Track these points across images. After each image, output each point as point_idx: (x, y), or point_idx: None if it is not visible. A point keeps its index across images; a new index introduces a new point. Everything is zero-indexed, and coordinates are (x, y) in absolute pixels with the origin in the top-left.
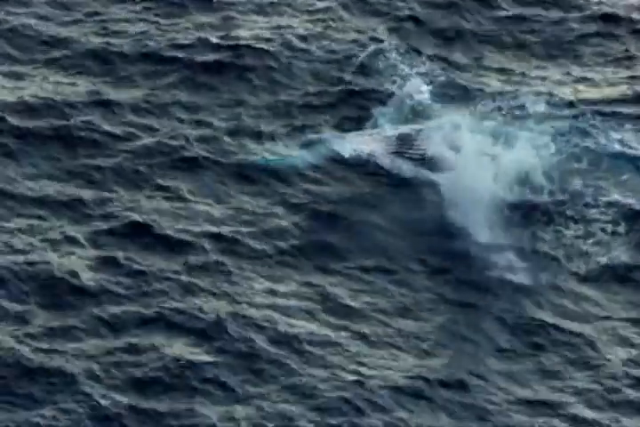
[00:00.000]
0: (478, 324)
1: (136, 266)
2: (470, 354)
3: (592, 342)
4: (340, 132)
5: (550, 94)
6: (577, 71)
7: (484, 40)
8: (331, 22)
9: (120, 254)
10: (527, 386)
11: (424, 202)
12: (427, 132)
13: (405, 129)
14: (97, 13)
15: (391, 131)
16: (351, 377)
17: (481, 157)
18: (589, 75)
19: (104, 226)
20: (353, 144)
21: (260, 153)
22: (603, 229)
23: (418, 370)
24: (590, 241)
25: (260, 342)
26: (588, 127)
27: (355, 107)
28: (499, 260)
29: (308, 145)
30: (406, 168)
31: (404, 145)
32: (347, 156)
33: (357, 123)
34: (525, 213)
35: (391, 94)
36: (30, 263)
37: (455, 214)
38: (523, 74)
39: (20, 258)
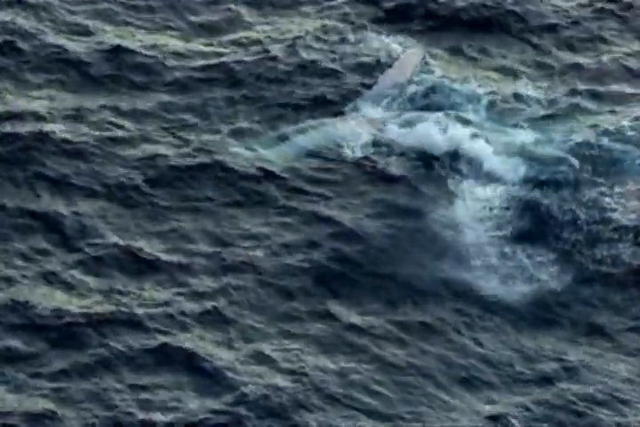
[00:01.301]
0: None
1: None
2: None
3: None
4: (324, 118)
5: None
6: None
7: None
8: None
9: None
10: None
11: (419, 195)
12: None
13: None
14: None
15: (374, 114)
16: None
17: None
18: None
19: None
20: (338, 130)
21: (247, 148)
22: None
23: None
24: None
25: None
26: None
27: (336, 93)
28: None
29: (293, 134)
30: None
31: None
32: (334, 142)
33: (340, 108)
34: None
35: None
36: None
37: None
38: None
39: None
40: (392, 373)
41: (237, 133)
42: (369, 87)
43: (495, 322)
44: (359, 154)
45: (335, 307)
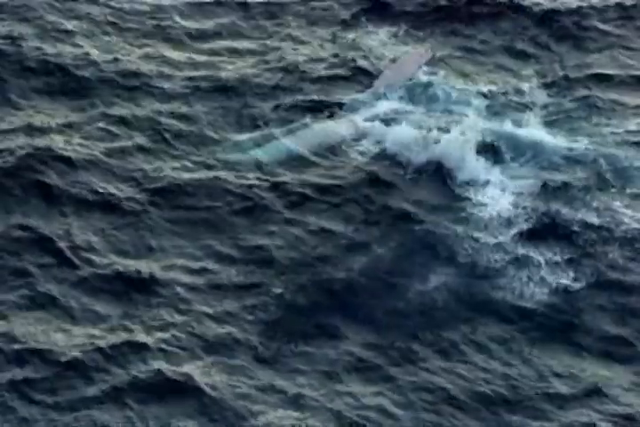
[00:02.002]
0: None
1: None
2: None
3: None
4: (318, 120)
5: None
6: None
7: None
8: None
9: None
10: None
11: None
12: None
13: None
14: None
15: (369, 115)
16: None
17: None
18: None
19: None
20: (332, 131)
21: (242, 153)
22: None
23: None
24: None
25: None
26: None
27: (331, 94)
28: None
29: (286, 136)
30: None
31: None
32: (328, 144)
33: (335, 110)
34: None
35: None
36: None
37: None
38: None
39: None
40: (406, 392)
41: (231, 139)
42: (367, 87)
43: (509, 334)
44: (356, 157)
45: (344, 324)
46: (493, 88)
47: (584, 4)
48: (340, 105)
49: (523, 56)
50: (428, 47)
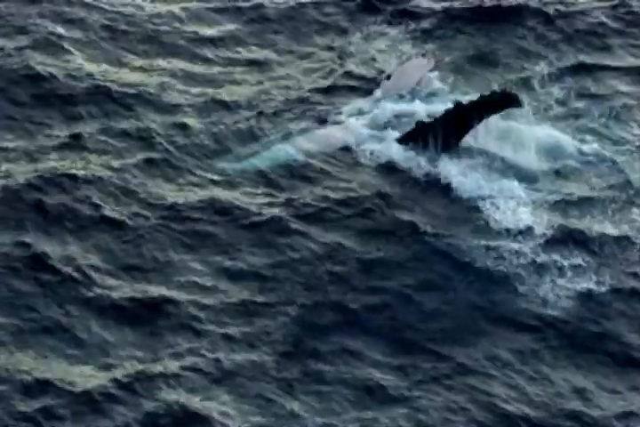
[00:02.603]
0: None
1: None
2: None
3: None
4: (321, 126)
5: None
6: None
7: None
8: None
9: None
10: None
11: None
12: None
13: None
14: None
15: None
16: None
17: None
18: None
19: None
20: (329, 138)
21: (236, 162)
22: None
23: None
24: None
25: None
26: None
27: (331, 101)
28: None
29: (282, 141)
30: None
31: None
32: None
33: (335, 118)
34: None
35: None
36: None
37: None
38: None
39: None
40: (427, 413)
41: (233, 149)
42: (369, 94)
43: (531, 347)
44: (361, 166)
45: (361, 343)
46: None
47: (595, 5)
48: (342, 112)
49: (531, 58)
50: (431, 55)
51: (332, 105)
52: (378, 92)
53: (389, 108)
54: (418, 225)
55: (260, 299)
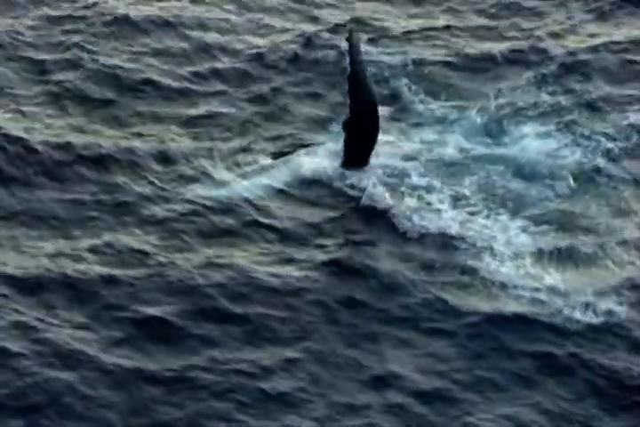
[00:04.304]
0: None
1: None
2: None
3: None
4: (301, 152)
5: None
6: None
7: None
8: None
9: None
10: None
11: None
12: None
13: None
14: None
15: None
16: None
17: None
18: None
19: None
20: (308, 163)
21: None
22: None
23: None
24: None
25: None
26: None
27: (310, 126)
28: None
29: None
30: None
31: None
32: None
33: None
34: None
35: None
36: None
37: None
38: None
39: None
40: None
41: (213, 176)
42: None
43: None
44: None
45: (382, 371)
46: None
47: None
48: (322, 137)
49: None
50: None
51: (313, 129)
52: None
53: None
54: (410, 256)
55: (269, 326)
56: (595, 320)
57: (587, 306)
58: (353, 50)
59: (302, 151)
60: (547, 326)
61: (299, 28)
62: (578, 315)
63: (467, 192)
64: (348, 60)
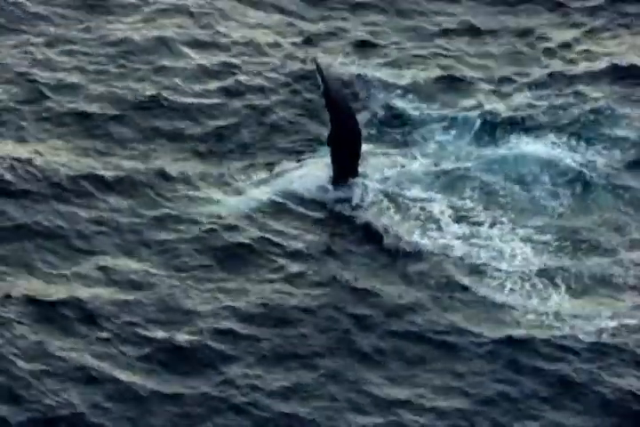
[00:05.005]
0: None
1: None
2: None
3: None
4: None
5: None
6: None
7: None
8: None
9: None
10: None
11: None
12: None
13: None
14: None
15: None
16: None
17: None
18: None
19: None
20: (299, 176)
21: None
22: None
23: None
24: None
25: None
26: None
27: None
28: None
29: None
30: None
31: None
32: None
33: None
34: None
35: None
36: None
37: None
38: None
39: None
40: None
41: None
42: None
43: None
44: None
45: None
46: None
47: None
48: (315, 149)
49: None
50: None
51: (306, 141)
52: None
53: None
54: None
55: (279, 344)
56: (604, 339)
57: (593, 324)
58: (320, 69)
59: (306, 165)
60: (555, 345)
61: (293, 47)
62: (586, 333)
63: (467, 204)
64: (319, 78)
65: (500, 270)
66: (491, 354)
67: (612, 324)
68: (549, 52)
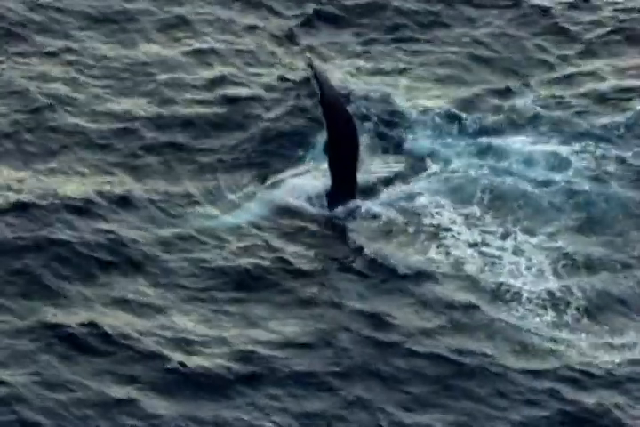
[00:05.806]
0: None
1: None
2: None
3: None
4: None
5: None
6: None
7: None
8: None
9: None
10: None
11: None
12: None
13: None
14: None
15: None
16: None
17: None
18: None
19: None
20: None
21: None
22: None
23: None
24: None
25: None
26: None
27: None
28: None
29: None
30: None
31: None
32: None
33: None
34: None
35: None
36: None
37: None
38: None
39: None
40: None
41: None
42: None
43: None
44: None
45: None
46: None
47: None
48: (308, 157)
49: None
50: None
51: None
52: None
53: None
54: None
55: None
56: (621, 369)
57: (612, 349)
58: (317, 74)
59: (307, 175)
60: (575, 369)
61: (292, 56)
62: (603, 359)
63: (475, 213)
64: (315, 85)
65: (515, 289)
66: (511, 380)
67: (630, 352)
68: (549, 53)
